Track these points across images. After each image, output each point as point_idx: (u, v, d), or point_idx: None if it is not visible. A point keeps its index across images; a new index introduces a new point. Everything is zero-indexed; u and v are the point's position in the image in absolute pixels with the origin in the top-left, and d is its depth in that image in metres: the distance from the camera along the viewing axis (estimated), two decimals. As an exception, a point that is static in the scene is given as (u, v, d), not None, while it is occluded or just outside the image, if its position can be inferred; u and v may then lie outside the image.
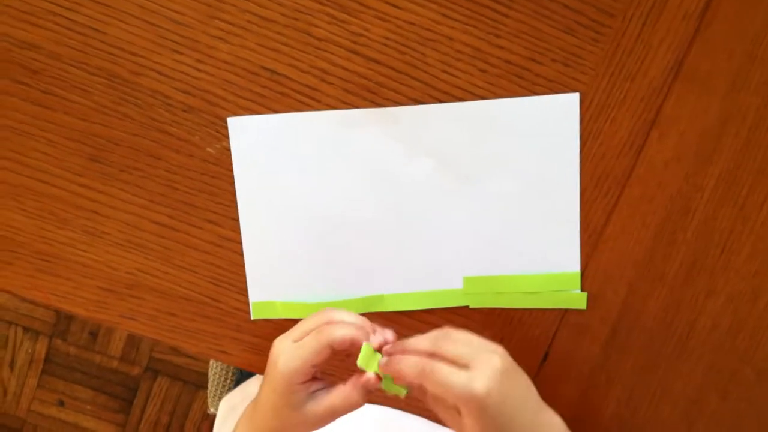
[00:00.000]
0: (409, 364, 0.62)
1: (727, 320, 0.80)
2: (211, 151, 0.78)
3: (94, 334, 1.81)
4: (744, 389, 0.81)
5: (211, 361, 1.17)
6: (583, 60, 0.76)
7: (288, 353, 0.64)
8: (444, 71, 0.76)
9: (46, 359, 1.82)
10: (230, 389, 1.16)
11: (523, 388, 0.64)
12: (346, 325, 0.64)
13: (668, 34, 0.75)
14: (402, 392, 0.65)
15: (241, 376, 1.08)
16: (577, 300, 0.80)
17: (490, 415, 0.59)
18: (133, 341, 1.81)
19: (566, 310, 0.80)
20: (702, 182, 0.77)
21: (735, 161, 0.77)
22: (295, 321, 0.80)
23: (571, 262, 0.79)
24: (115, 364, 1.82)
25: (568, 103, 0.76)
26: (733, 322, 0.80)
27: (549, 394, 0.82)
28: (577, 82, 0.76)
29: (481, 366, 0.60)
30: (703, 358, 0.81)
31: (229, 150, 0.78)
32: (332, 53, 0.76)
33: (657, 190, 0.78)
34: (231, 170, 0.78)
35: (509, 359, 0.63)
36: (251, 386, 0.98)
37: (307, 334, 0.65)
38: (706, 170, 0.77)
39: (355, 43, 0.76)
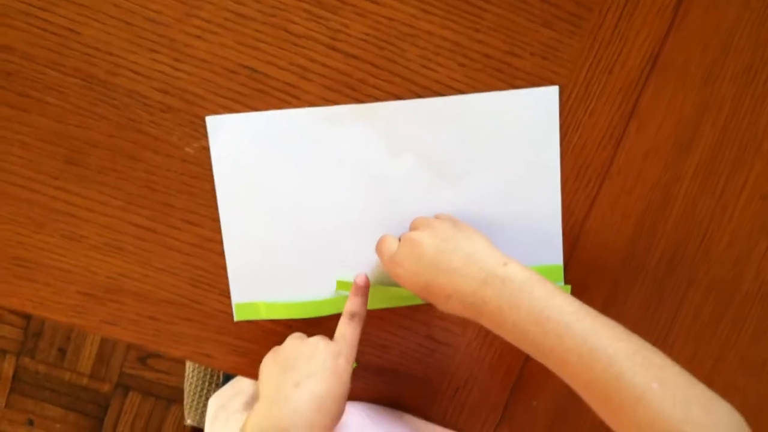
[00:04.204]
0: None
1: (708, 309, 0.81)
2: (190, 150, 0.77)
3: (63, 351, 1.78)
4: (727, 376, 0.82)
5: (187, 372, 1.16)
6: (561, 53, 0.76)
7: (349, 349, 0.72)
8: (424, 66, 0.76)
9: (14, 378, 1.78)
10: (207, 398, 1.14)
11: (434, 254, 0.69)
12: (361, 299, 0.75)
13: (644, 27, 0.76)
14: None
15: (224, 380, 1.07)
16: (561, 293, 0.80)
17: (407, 277, 0.70)
18: (102, 357, 1.78)
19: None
20: (681, 172, 0.78)
21: (713, 150, 0.78)
22: (278, 322, 0.80)
23: (554, 255, 0.79)
24: (85, 381, 1.79)
25: (548, 96, 0.77)
26: (715, 310, 0.81)
27: (534, 386, 0.82)
28: (556, 75, 0.77)
29: (402, 241, 0.71)
30: (686, 347, 0.81)
31: (208, 149, 0.77)
32: (311, 50, 0.76)
33: (637, 181, 0.78)
34: (210, 170, 0.78)
35: (437, 231, 0.70)
36: (241, 383, 0.97)
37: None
38: (684, 160, 0.78)
39: (334, 39, 0.76)
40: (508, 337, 0.65)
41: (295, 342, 0.71)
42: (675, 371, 0.59)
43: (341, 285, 0.79)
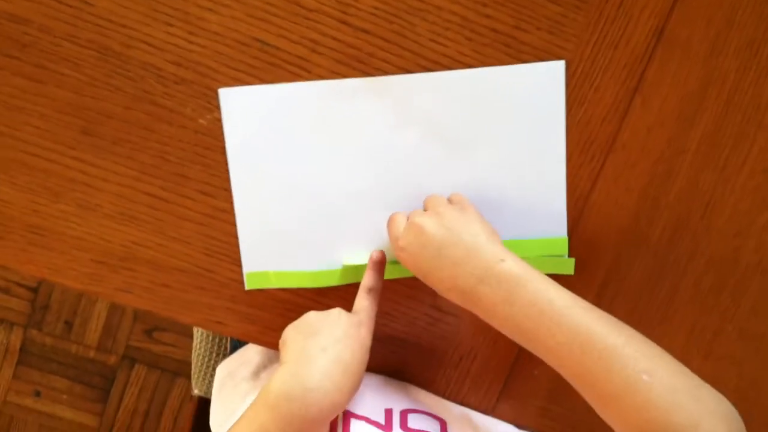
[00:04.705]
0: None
1: (709, 281, 0.82)
2: (203, 122, 0.79)
3: (69, 324, 1.80)
4: (726, 348, 0.83)
5: (195, 343, 1.17)
6: (567, 28, 0.77)
7: (368, 320, 0.74)
8: (432, 40, 0.77)
9: (22, 350, 1.80)
10: (214, 369, 1.16)
11: (436, 246, 0.70)
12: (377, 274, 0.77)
13: (649, 2, 0.77)
14: None
15: (232, 350, 1.08)
16: (565, 265, 0.81)
17: (410, 262, 0.71)
18: (109, 330, 1.80)
19: (552, 276, 0.82)
20: (684, 146, 0.79)
21: (716, 124, 0.79)
22: (288, 290, 0.81)
23: (559, 228, 0.81)
24: (91, 353, 1.81)
25: (554, 71, 0.78)
26: (715, 282, 0.82)
27: (535, 360, 0.84)
28: (562, 50, 0.78)
29: (407, 225, 0.72)
30: (687, 319, 0.83)
31: (220, 121, 0.78)
32: (322, 23, 0.77)
33: (641, 155, 0.80)
34: (223, 141, 0.79)
35: (442, 219, 0.71)
36: (249, 352, 0.98)
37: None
38: (688, 134, 0.79)
39: (344, 13, 0.77)
40: (503, 331, 0.67)
41: (316, 314, 0.73)
42: (665, 361, 0.61)
43: (348, 268, 0.81)
